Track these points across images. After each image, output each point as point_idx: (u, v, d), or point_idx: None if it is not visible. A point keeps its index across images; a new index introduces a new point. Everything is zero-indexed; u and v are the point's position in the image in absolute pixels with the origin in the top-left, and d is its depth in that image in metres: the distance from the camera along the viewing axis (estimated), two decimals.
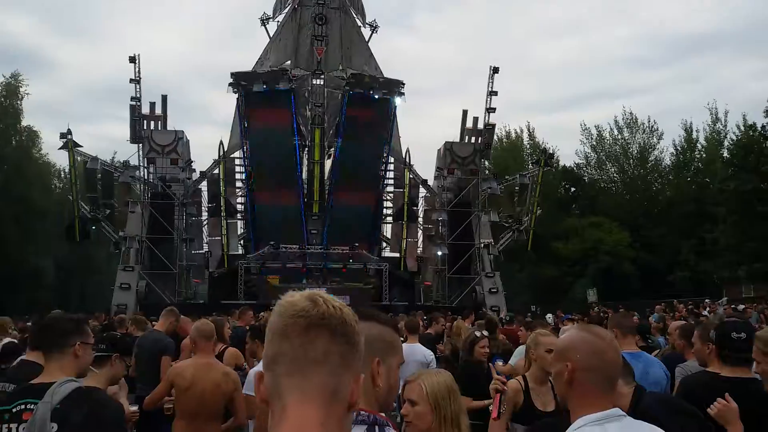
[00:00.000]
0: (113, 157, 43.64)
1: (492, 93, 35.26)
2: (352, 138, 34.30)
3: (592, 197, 50.68)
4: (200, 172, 37.01)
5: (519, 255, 40.89)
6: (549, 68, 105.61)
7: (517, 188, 37.89)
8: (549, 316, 18.09)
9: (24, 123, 48.54)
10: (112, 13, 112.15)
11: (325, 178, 35.99)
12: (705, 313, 18.43)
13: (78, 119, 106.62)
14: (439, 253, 36.62)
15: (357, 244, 33.58)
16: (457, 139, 37.61)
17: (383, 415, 1.93)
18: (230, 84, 34.08)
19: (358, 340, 1.30)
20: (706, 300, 24.98)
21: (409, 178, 37.77)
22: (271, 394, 1.25)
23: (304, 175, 35.89)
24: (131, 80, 33.26)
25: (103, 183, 34.63)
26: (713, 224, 40.51)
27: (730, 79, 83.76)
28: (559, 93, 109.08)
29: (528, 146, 55.07)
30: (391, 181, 38.76)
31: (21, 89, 47.20)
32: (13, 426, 3.04)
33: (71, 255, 46.68)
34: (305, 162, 35.97)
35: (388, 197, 39.48)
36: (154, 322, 9.25)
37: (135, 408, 4.70)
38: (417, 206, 39.25)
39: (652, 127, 50.47)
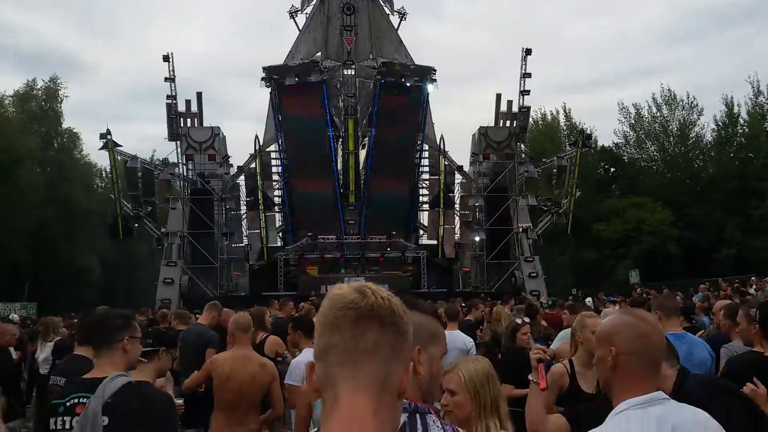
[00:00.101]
0: (152, 155, 44.39)
1: (525, 75, 34.75)
2: (386, 127, 34.28)
3: (632, 177, 49.74)
4: (237, 166, 37.53)
5: (558, 238, 40.45)
6: (583, 47, 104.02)
7: (554, 171, 37.45)
8: (588, 300, 17.82)
9: (65, 125, 49.75)
10: (144, 14, 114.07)
11: (360, 168, 36.08)
12: (752, 291, 18.00)
13: (116, 119, 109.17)
14: (477, 238, 36.44)
15: (394, 233, 33.63)
16: (492, 124, 37.29)
17: (426, 403, 1.94)
18: (263, 78, 34.31)
19: (407, 330, 1.32)
20: (753, 278, 24.30)
21: (444, 164, 37.53)
22: (323, 384, 1.28)
23: (339, 165, 36.04)
24: (166, 79, 33.64)
25: (144, 181, 35.39)
26: (759, 200, 39.40)
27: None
28: (595, 72, 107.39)
29: (565, 128, 54.11)
30: (427, 169, 38.65)
31: (60, 92, 48.35)
32: (67, 419, 3.15)
33: (116, 253, 47.83)
34: (340, 153, 36.12)
35: (424, 185, 39.39)
36: (198, 316, 9.41)
37: (180, 401, 4.80)
38: (453, 193, 39.00)
39: (692, 103, 49.15)
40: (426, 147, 37.42)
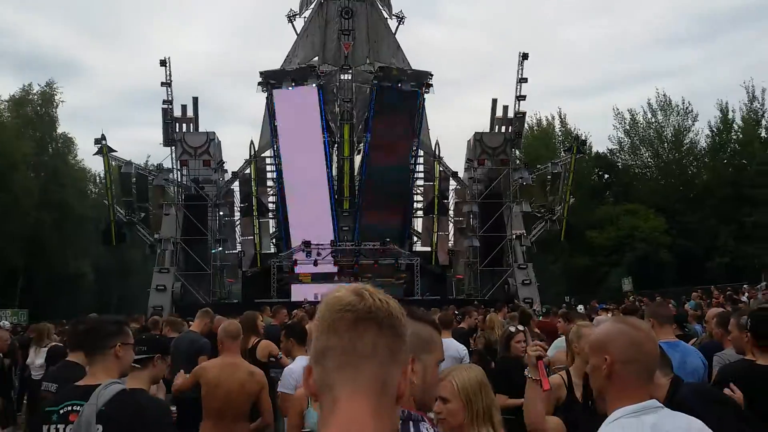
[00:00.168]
0: (147, 161, 44.40)
1: (522, 80, 34.83)
2: (381, 132, 34.27)
3: (626, 184, 49.86)
4: (232, 172, 37.44)
5: (552, 245, 40.46)
6: (579, 52, 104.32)
7: (549, 177, 37.42)
8: (580, 308, 17.84)
9: (59, 130, 49.61)
10: (141, 18, 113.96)
11: (355, 174, 36.06)
12: (744, 299, 18.06)
13: (111, 124, 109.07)
14: (471, 245, 36.43)
15: (388, 240, 33.60)
16: (487, 129, 37.35)
17: (420, 411, 1.94)
18: (259, 83, 34.32)
19: (404, 333, 1.32)
20: (745, 285, 24.39)
21: (439, 170, 37.58)
22: (321, 388, 1.27)
23: (334, 171, 36.00)
24: (162, 83, 33.61)
25: (138, 187, 35.19)
26: (752, 207, 39.52)
27: (766, 55, 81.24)
28: (590, 77, 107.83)
29: (560, 133, 54.14)
30: (421, 175, 38.60)
31: (56, 97, 48.23)
32: (60, 426, 3.13)
33: (109, 259, 47.65)
34: (335, 158, 36.10)
35: (419, 191, 39.38)
36: (190, 323, 9.38)
37: (173, 408, 4.79)
38: (447, 199, 39.00)
39: (687, 108, 49.14)
40: (421, 153, 37.38)
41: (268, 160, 37.65)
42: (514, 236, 34.98)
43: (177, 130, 35.06)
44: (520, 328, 6.47)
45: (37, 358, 9.64)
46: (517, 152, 38.84)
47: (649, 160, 51.16)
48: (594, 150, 51.18)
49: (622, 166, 51.95)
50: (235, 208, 38.55)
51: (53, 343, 9.86)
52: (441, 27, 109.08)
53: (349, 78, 35.15)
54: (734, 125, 47.69)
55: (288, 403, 5.08)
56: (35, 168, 46.34)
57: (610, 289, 38.49)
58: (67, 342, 5.78)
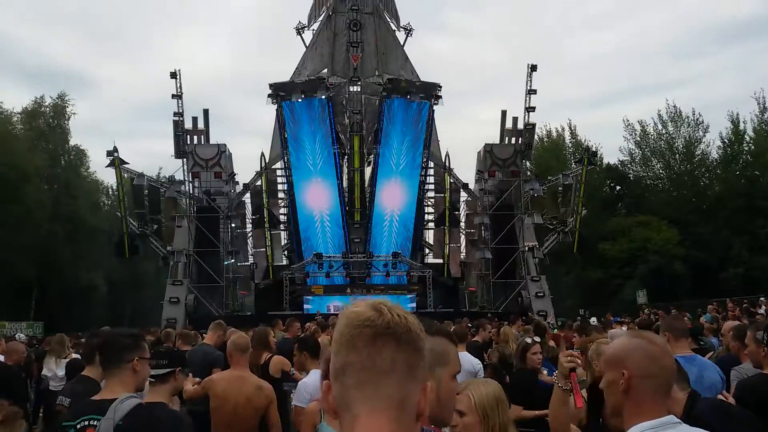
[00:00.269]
0: (159, 173, 44.56)
1: (531, 92, 34.85)
2: (391, 144, 34.35)
3: (637, 195, 49.65)
4: (243, 184, 37.57)
5: (565, 257, 40.27)
6: (588, 63, 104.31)
7: (560, 189, 37.34)
8: (593, 320, 17.73)
9: (72, 142, 49.95)
10: (152, 31, 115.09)
11: (366, 185, 36.11)
12: (761, 311, 17.87)
13: (123, 136, 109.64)
14: (483, 257, 36.32)
15: (399, 251, 33.57)
16: (497, 141, 37.35)
17: (433, 426, 1.93)
18: (269, 95, 34.52)
19: (423, 347, 1.30)
20: (762, 298, 24.11)
21: (450, 182, 37.55)
22: (340, 405, 1.26)
23: (345, 183, 36.07)
24: (173, 96, 33.77)
25: (150, 199, 35.37)
26: (766, 219, 39.20)
27: None
28: (600, 88, 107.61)
29: (570, 145, 54.13)
30: (432, 186, 38.57)
31: (68, 109, 48.59)
32: None
33: (122, 271, 47.73)
34: (345, 170, 36.17)
35: (429, 202, 39.34)
36: (203, 335, 9.38)
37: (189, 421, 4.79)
38: (458, 211, 38.90)
39: (698, 119, 49.04)
40: (431, 164, 37.42)
41: (279, 172, 37.79)
42: (526, 248, 34.85)
43: (188, 142, 35.28)
44: (536, 339, 6.43)
45: (58, 370, 9.67)
46: (528, 164, 38.78)
47: (660, 171, 50.94)
48: (605, 161, 51.07)
49: (633, 177, 51.74)
50: (247, 219, 38.62)
51: (73, 356, 9.90)
52: (449, 39, 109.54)
53: (358, 90, 35.31)
54: (746, 136, 47.45)
55: (301, 417, 5.07)
56: (48, 180, 46.64)
57: (624, 301, 38.22)
58: (84, 356, 5.80)
